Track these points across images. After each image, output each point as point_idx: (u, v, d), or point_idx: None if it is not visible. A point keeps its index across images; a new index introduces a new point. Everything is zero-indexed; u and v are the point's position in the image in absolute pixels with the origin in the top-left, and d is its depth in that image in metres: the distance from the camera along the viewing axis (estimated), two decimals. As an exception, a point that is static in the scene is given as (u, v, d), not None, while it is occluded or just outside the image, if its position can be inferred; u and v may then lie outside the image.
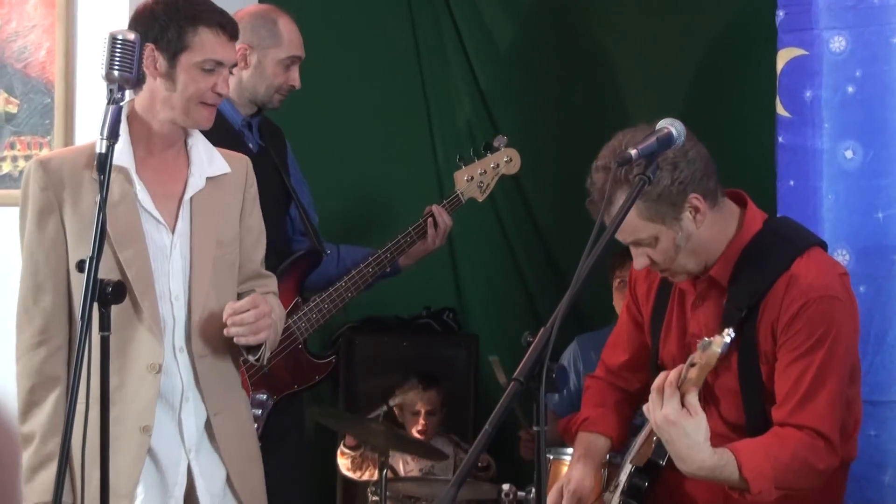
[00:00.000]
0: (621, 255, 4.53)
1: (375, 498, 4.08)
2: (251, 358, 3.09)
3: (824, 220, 3.70)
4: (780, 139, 3.76)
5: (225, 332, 2.99)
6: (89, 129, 4.21)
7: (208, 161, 3.09)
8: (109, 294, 2.65)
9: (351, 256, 4.30)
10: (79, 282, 2.90)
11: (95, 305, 2.62)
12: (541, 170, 5.05)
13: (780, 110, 3.74)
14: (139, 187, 2.98)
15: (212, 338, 3.03)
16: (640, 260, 3.05)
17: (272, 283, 3.31)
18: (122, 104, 2.68)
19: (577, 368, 4.75)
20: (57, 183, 2.96)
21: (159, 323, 2.98)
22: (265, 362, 3.16)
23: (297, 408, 4.14)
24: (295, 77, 4.11)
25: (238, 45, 3.99)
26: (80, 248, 2.93)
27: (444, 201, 4.31)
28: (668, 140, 2.68)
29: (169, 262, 3.01)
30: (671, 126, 2.69)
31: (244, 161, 3.21)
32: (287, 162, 4.26)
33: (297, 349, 4.00)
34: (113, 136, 2.64)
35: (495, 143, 4.35)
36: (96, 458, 2.70)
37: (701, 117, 4.25)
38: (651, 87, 5.03)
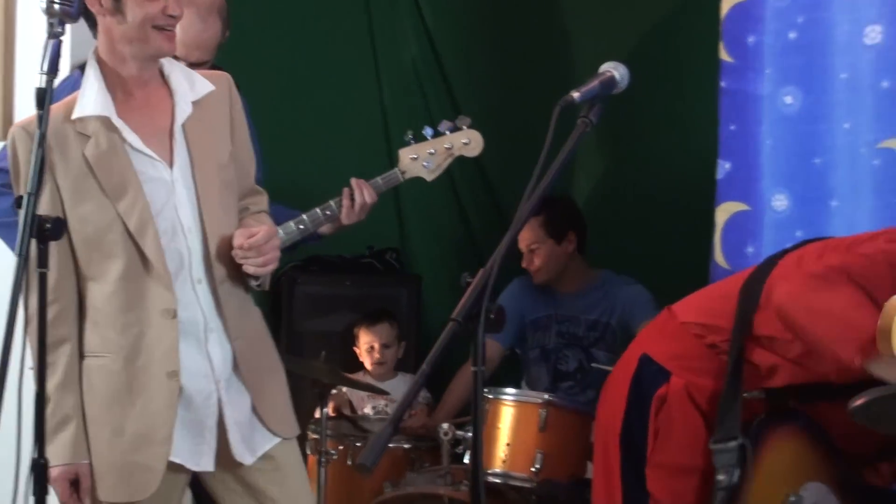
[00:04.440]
0: None
1: (315, 436, 4.10)
2: (253, 283, 3.05)
3: (764, 166, 3.74)
4: (722, 84, 3.78)
5: (234, 255, 2.95)
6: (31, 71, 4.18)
7: (189, 85, 3.03)
8: (48, 230, 2.63)
9: (275, 217, 4.22)
10: (81, 238, 2.88)
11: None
12: (485, 110, 5.06)
13: (724, 55, 3.76)
14: (126, 131, 2.93)
15: (229, 263, 2.99)
16: None
17: (265, 200, 3.25)
18: (62, 38, 2.65)
19: (517, 309, 4.79)
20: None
21: (166, 267, 2.92)
22: (267, 287, 3.10)
23: None
24: None
25: None
26: (78, 205, 2.89)
27: (379, 177, 4.02)
28: (610, 83, 2.67)
29: (174, 196, 2.96)
30: (614, 70, 2.68)
31: (225, 77, 3.14)
32: None
33: None
34: (53, 70, 2.62)
35: (457, 123, 4.15)
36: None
37: (645, 62, 4.28)
38: (595, 30, 5.04)
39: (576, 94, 2.57)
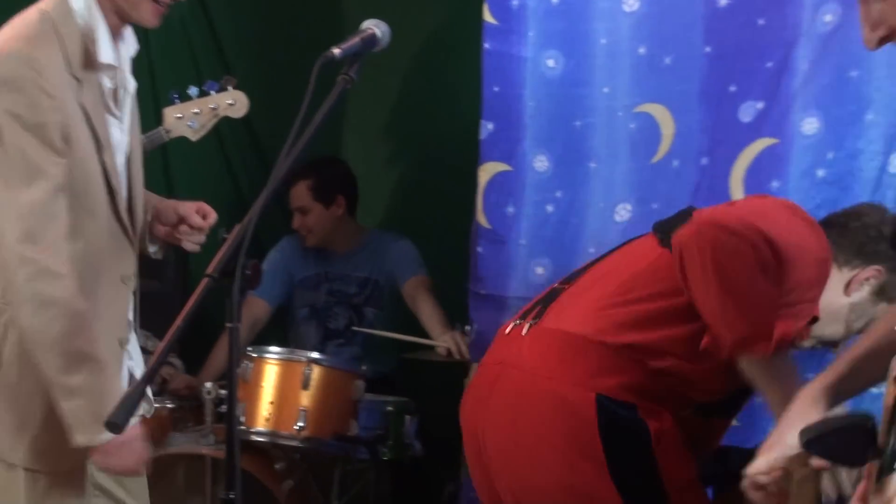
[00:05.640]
0: None
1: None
2: (153, 250, 2.98)
3: (527, 127, 3.80)
4: (486, 46, 3.81)
5: (177, 230, 2.92)
6: None
7: (131, 40, 2.87)
8: None
9: None
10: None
11: None
12: (254, 68, 5.02)
13: (488, 17, 3.79)
14: (109, 85, 2.76)
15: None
16: None
17: None
18: None
19: (286, 267, 4.80)
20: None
21: (134, 230, 2.81)
22: (161, 256, 3.06)
23: None
24: None
25: None
26: (72, 153, 2.65)
27: (144, 136, 3.81)
28: (372, 40, 2.68)
29: (118, 160, 2.80)
30: (376, 27, 2.69)
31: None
32: None
33: None
34: None
35: (222, 83, 4.08)
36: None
37: (408, 22, 4.29)
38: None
39: (336, 51, 2.56)
